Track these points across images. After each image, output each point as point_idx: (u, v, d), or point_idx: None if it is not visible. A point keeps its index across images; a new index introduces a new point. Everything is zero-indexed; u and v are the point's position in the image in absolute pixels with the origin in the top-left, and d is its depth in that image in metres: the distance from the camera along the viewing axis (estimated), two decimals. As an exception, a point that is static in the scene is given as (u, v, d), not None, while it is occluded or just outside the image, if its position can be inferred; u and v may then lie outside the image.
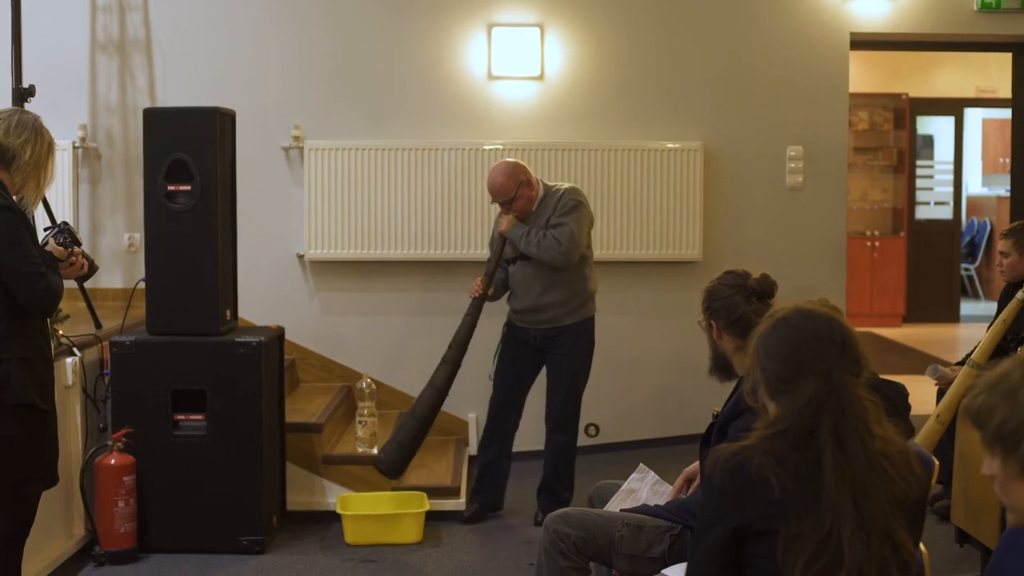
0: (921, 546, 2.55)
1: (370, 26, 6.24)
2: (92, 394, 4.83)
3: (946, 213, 11.56)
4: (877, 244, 10.81)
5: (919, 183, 11.52)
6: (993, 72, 10.91)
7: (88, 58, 6.19)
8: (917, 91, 11.01)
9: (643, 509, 3.34)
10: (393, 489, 5.18)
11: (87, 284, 5.21)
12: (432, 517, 5.05)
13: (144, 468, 4.72)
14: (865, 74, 10.37)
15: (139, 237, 5.90)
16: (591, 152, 6.20)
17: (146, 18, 6.19)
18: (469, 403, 6.01)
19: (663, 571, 3.13)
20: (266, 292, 6.07)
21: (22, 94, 5.15)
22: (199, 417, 4.78)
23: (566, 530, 3.23)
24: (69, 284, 3.94)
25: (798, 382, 2.27)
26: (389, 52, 6.24)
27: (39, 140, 3.54)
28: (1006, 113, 8.52)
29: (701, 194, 6.27)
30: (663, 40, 6.36)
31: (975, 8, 6.44)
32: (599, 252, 5.98)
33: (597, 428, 6.30)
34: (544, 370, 5.23)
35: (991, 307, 7.47)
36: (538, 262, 5.00)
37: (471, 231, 6.13)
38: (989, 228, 12.31)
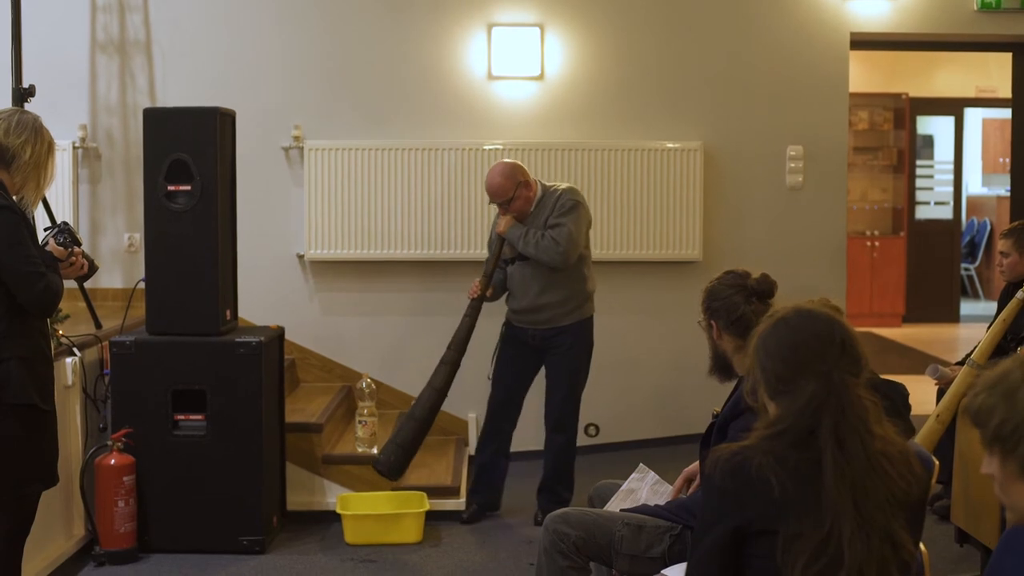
0: (921, 546, 2.55)
1: (370, 26, 6.24)
2: (92, 394, 4.83)
3: (946, 213, 11.56)
4: (877, 244, 10.81)
5: (919, 183, 11.52)
6: (993, 72, 10.91)
7: (88, 58, 6.19)
8: (917, 91, 11.02)
9: (643, 509, 3.34)
10: (393, 489, 5.17)
11: (87, 284, 5.22)
12: (432, 517, 5.05)
13: (144, 468, 4.72)
14: (865, 74, 10.37)
15: (139, 237, 5.90)
16: (591, 152, 6.20)
17: (146, 18, 6.19)
18: (469, 403, 6.01)
19: (663, 571, 3.13)
20: (266, 292, 6.07)
21: (22, 94, 5.15)
22: (199, 417, 4.78)
23: (566, 530, 3.23)
24: (69, 284, 3.94)
25: (798, 382, 2.27)
26: (389, 52, 6.24)
27: (39, 140, 3.54)
28: (1006, 113, 8.52)
29: (701, 194, 6.27)
30: (663, 40, 6.36)
31: (975, 8, 6.44)
32: (599, 252, 5.99)
33: (597, 428, 6.30)
34: (543, 370, 5.23)
35: (991, 307, 7.48)
36: (536, 262, 5.00)
37: (471, 231, 6.13)
38: (989, 228, 12.32)
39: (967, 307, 11.61)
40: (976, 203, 12.68)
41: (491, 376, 5.23)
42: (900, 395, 3.94)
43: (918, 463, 2.33)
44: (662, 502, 3.40)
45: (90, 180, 6.20)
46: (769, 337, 2.35)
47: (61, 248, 3.70)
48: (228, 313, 4.94)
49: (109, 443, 4.66)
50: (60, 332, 4.59)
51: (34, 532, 3.69)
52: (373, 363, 6.09)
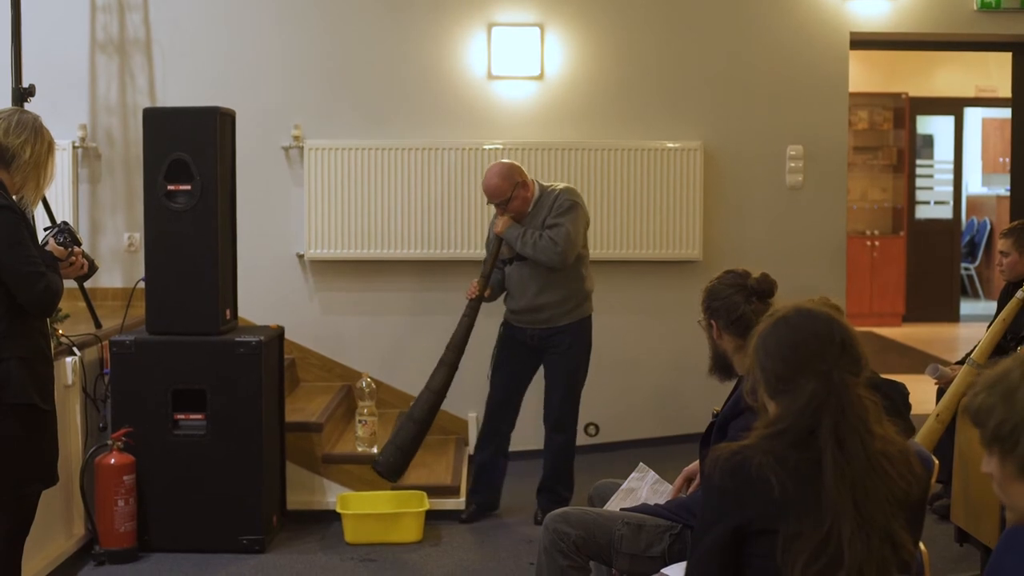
0: (921, 545, 2.55)
1: (370, 26, 6.24)
2: (92, 393, 4.83)
3: (946, 212, 11.56)
4: (877, 244, 10.81)
5: (919, 182, 11.52)
6: (993, 72, 10.91)
7: (88, 58, 6.19)
8: (917, 90, 11.02)
9: (643, 508, 3.34)
10: (393, 488, 5.17)
11: (87, 284, 5.22)
12: (432, 516, 5.05)
13: (144, 467, 4.72)
14: (865, 74, 10.37)
15: (139, 237, 5.90)
16: (591, 152, 6.20)
17: (146, 18, 6.19)
18: (469, 402, 6.00)
19: (663, 570, 3.13)
20: (266, 292, 6.07)
21: (22, 94, 5.15)
22: (199, 416, 4.78)
23: (566, 529, 3.23)
24: (69, 284, 3.94)
25: (798, 382, 2.27)
26: (389, 52, 6.24)
27: (39, 140, 3.54)
28: (1006, 112, 8.53)
29: (701, 194, 6.27)
30: (663, 40, 6.36)
31: (975, 8, 6.44)
32: (600, 252, 5.99)
33: (597, 427, 6.30)
34: (542, 370, 5.23)
35: (991, 306, 7.48)
36: (534, 263, 5.00)
37: (471, 231, 6.13)
38: (989, 227, 12.31)
39: (967, 307, 11.61)
40: (976, 203, 12.68)
41: (490, 376, 5.23)
42: (900, 394, 3.94)
43: (918, 463, 2.34)
44: (662, 501, 3.40)
45: (90, 180, 6.20)
46: (769, 336, 2.35)
47: (61, 248, 3.70)
48: (228, 312, 4.95)
49: (109, 442, 4.67)
50: (60, 332, 4.59)
51: (34, 531, 3.69)
52: (373, 362, 6.09)
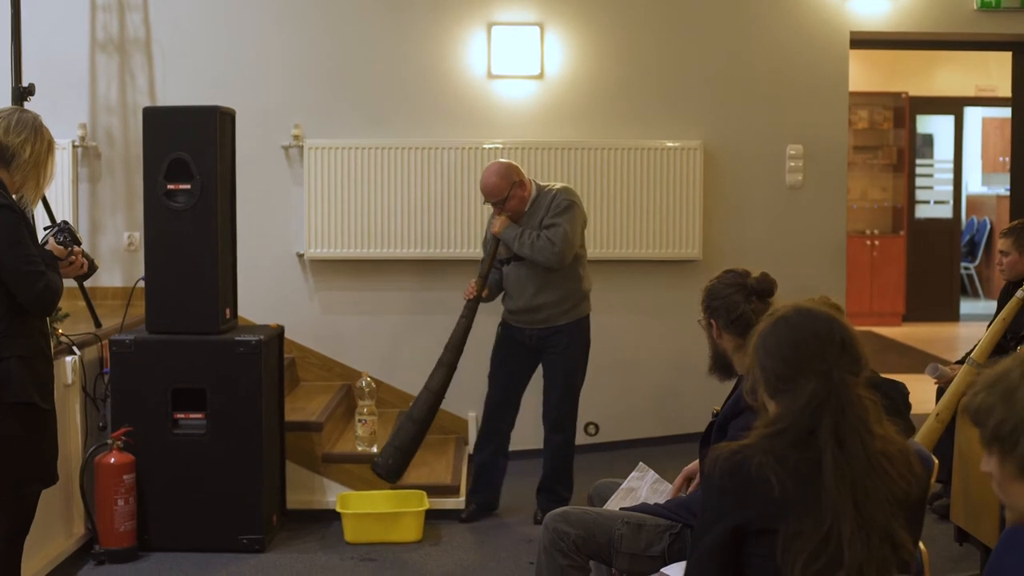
0: (921, 545, 2.55)
1: (370, 26, 6.24)
2: (92, 393, 4.83)
3: (946, 212, 11.56)
4: (877, 243, 10.81)
5: (919, 182, 11.52)
6: (993, 71, 10.91)
7: (88, 57, 6.19)
8: (917, 90, 11.01)
9: (643, 508, 3.34)
10: (393, 488, 5.17)
11: (87, 283, 5.21)
12: (432, 516, 5.05)
13: (144, 467, 4.72)
14: (865, 73, 10.37)
15: (139, 236, 5.90)
16: (591, 151, 6.20)
17: (146, 18, 6.19)
18: (469, 402, 6.00)
19: (663, 570, 3.13)
20: (266, 291, 6.07)
21: (22, 93, 5.15)
22: (199, 416, 4.78)
23: (566, 528, 3.23)
24: (69, 283, 3.94)
25: (798, 381, 2.27)
26: (389, 52, 6.24)
27: (39, 139, 3.54)
28: (1006, 112, 8.53)
29: (701, 193, 6.27)
30: (663, 39, 6.36)
31: (975, 7, 6.44)
32: (599, 251, 6.00)
33: (596, 427, 6.30)
34: (540, 369, 5.23)
35: (991, 306, 7.47)
36: (532, 263, 5.00)
37: (471, 230, 6.13)
38: (989, 227, 12.31)
39: (967, 306, 11.61)
40: (976, 202, 12.68)
41: (489, 376, 5.23)
42: (900, 394, 3.94)
43: (918, 462, 2.34)
44: (662, 501, 3.40)
45: (90, 179, 6.20)
46: (769, 336, 2.35)
47: (61, 247, 3.70)
48: (228, 312, 4.95)
49: (109, 442, 4.67)
50: (60, 331, 4.59)
51: (34, 531, 3.69)
52: (373, 362, 6.09)
